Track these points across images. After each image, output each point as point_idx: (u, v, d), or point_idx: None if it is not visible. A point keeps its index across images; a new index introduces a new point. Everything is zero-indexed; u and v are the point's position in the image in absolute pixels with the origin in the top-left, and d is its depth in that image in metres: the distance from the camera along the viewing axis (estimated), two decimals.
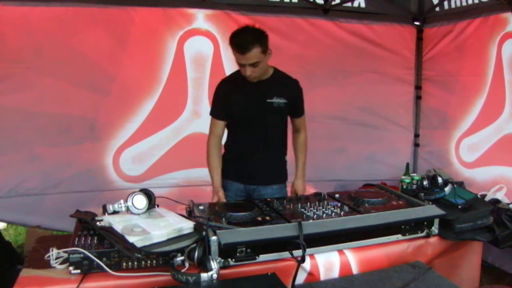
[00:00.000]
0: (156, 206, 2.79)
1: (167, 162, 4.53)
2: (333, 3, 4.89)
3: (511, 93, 4.32)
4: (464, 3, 4.73)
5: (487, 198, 3.55)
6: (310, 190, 4.89)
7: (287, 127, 3.52)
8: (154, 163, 4.59)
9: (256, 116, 3.32)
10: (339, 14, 5.03)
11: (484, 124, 4.59)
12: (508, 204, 3.53)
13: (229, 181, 3.45)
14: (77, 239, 2.37)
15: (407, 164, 5.02)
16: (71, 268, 2.23)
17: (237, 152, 3.46)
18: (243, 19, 4.70)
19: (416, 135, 5.56)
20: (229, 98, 3.35)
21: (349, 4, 5.01)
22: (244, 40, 3.02)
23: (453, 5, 4.88)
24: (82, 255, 2.22)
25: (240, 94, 3.31)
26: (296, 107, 3.45)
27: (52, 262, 2.33)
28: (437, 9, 5.08)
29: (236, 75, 3.36)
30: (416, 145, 5.57)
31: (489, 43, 4.49)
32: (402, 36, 5.28)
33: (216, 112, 3.43)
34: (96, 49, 4.36)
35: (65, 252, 2.31)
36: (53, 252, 2.36)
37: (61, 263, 2.32)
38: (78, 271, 2.23)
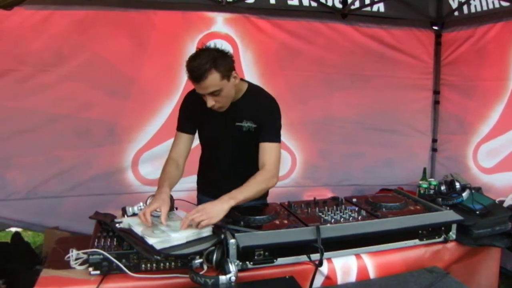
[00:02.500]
0: (175, 209, 2.81)
1: (185, 166, 4.54)
2: (352, 7, 4.88)
3: None
4: (485, 8, 4.71)
5: (505, 204, 3.51)
6: (328, 195, 4.92)
7: None
8: None
9: (223, 140, 2.98)
10: (358, 18, 5.02)
11: (504, 130, 4.57)
12: None
13: (205, 197, 3.07)
14: (96, 240, 2.40)
15: (424, 169, 5.00)
16: (90, 269, 2.25)
17: (209, 173, 3.18)
18: (263, 23, 4.77)
19: (434, 140, 5.53)
20: (194, 116, 2.98)
21: (368, 8, 5.01)
22: (198, 66, 2.58)
23: (473, 10, 4.85)
24: (101, 257, 2.25)
25: (206, 114, 2.86)
26: (261, 131, 2.89)
27: (72, 263, 2.35)
28: (456, 13, 5.05)
29: None
30: (434, 150, 5.54)
31: (510, 48, 4.45)
32: (421, 41, 5.27)
33: (180, 124, 3.07)
34: (116, 53, 4.40)
35: (85, 253, 2.34)
36: (73, 253, 2.39)
37: (81, 264, 2.35)
38: (98, 272, 2.25)
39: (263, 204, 3.09)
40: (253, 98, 2.94)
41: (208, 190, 3.03)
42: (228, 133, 2.95)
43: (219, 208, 2.55)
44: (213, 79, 2.61)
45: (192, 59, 2.64)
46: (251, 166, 2.90)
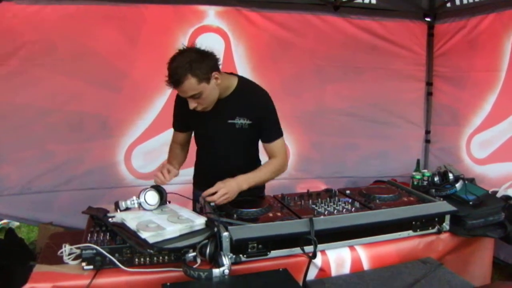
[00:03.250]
0: (167, 203, 2.81)
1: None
2: None
3: None
4: None
5: (498, 195, 3.52)
6: (321, 187, 4.92)
7: (257, 145, 3.09)
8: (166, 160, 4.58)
9: (216, 138, 2.96)
10: (349, 10, 5.01)
11: (497, 120, 4.57)
12: None
13: (200, 191, 2.93)
14: (89, 235, 2.39)
15: (418, 161, 5.02)
16: (83, 264, 2.25)
17: (204, 170, 3.17)
18: (254, 16, 4.76)
19: (427, 132, 5.54)
20: (186, 114, 2.91)
21: (359, 0, 4.99)
22: (174, 71, 2.58)
23: (465, 1, 4.86)
24: (94, 251, 2.24)
25: (197, 112, 2.81)
26: (262, 130, 2.92)
27: (65, 258, 2.35)
28: (449, 5, 5.05)
29: None
30: (427, 141, 5.56)
31: (503, 39, 4.46)
32: (413, 33, 5.26)
33: (174, 124, 3.14)
34: (107, 46, 4.38)
35: (78, 248, 2.33)
36: (66, 248, 2.39)
37: (74, 259, 2.34)
38: (91, 267, 2.25)
39: (256, 196, 3.07)
40: (245, 94, 2.89)
41: (204, 186, 2.97)
42: (221, 131, 2.93)
43: (235, 189, 2.75)
44: (190, 84, 2.59)
45: (170, 62, 2.63)
46: (246, 163, 2.99)
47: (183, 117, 3.04)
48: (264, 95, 2.93)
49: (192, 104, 2.70)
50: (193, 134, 3.19)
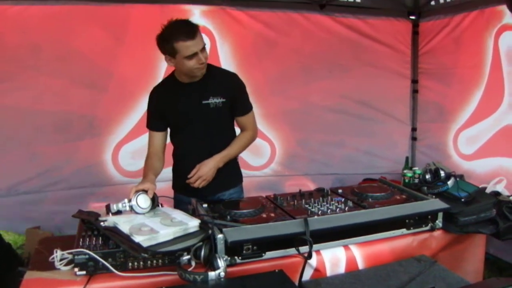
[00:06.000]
0: (160, 205, 2.78)
1: (165, 157, 4.54)
2: None
3: (509, 84, 4.31)
4: None
5: (487, 191, 3.55)
6: (309, 184, 4.95)
7: (233, 126, 3.23)
8: None
9: (194, 120, 3.04)
10: (335, 8, 5.01)
11: (483, 116, 4.59)
12: (509, 196, 3.53)
13: (179, 195, 3.21)
14: (81, 240, 2.35)
15: (407, 158, 5.05)
16: (76, 269, 2.21)
17: (182, 164, 3.17)
18: (239, 15, 4.77)
19: (414, 129, 5.57)
20: (162, 105, 3.08)
21: None
22: (187, 22, 2.81)
23: None
24: (87, 256, 2.20)
25: (174, 100, 3.03)
26: (235, 105, 3.08)
27: (57, 264, 2.30)
28: (432, 3, 5.07)
29: (167, 81, 3.16)
30: (414, 138, 5.58)
31: (485, 36, 4.49)
32: (398, 30, 5.29)
33: (150, 123, 3.19)
34: (93, 46, 4.35)
35: (69, 253, 2.29)
36: (58, 254, 2.33)
37: (66, 265, 2.30)
38: (84, 272, 2.21)
39: (248, 197, 3.13)
40: (215, 75, 3.04)
41: (184, 186, 3.04)
42: (197, 112, 3.01)
43: (212, 169, 2.97)
44: (200, 34, 2.79)
45: (174, 21, 2.81)
46: (222, 144, 3.09)
47: (159, 113, 3.12)
48: (233, 74, 3.15)
49: (202, 58, 2.81)
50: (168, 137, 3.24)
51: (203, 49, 2.82)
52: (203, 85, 2.99)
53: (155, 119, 3.16)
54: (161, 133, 3.17)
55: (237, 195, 3.24)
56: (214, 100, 2.98)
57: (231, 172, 3.21)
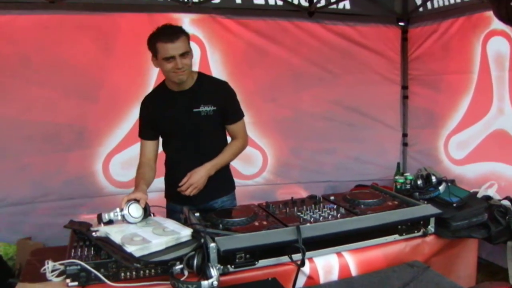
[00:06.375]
0: (152, 215, 2.76)
1: (158, 166, 4.53)
2: (318, 5, 4.90)
3: (498, 89, 4.35)
4: (446, 3, 4.78)
5: (478, 195, 3.57)
6: (301, 192, 4.94)
7: (225, 135, 3.22)
8: None
9: (185, 129, 3.05)
10: (324, 16, 5.04)
11: (472, 121, 4.62)
12: (500, 200, 3.56)
13: (171, 204, 3.23)
14: (73, 250, 2.33)
15: (398, 164, 5.06)
16: (68, 280, 2.20)
17: (174, 172, 3.17)
18: (229, 23, 4.77)
19: (404, 135, 5.59)
20: (153, 114, 3.09)
21: (334, 6, 5.03)
22: (170, 26, 2.88)
23: (436, 5, 4.92)
24: (79, 267, 2.19)
25: (164, 108, 3.04)
26: (226, 113, 3.09)
27: (48, 275, 2.28)
28: (421, 9, 5.12)
29: (157, 90, 3.16)
30: (405, 144, 5.60)
31: (473, 41, 4.53)
32: (387, 37, 5.33)
33: (142, 132, 3.17)
34: (82, 56, 4.33)
35: (61, 264, 2.27)
36: (49, 265, 2.31)
37: (58, 276, 2.28)
38: (76, 283, 2.19)
39: (240, 206, 3.13)
40: (206, 84, 3.06)
41: (176, 194, 3.03)
42: (188, 120, 3.01)
43: (203, 177, 2.96)
44: (184, 40, 2.82)
45: (160, 27, 2.87)
46: (213, 152, 3.08)
47: (151, 122, 3.12)
48: (224, 83, 3.16)
49: (180, 64, 2.81)
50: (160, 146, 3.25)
51: (184, 55, 2.82)
52: (193, 93, 3.01)
53: (147, 128, 3.15)
54: (153, 142, 3.16)
55: (229, 203, 3.23)
56: (205, 109, 2.99)
57: (223, 179, 3.20)
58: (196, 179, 2.94)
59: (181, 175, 2.99)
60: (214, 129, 3.12)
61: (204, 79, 3.08)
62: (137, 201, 2.66)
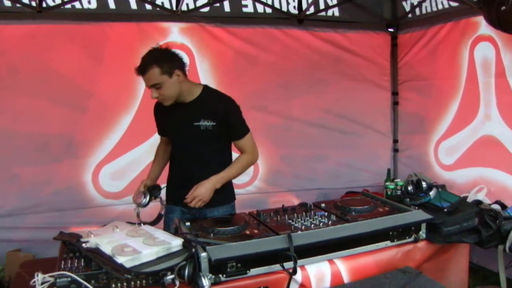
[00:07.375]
0: (142, 225, 2.76)
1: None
2: (308, 12, 4.91)
3: (485, 94, 4.38)
4: (434, 9, 4.80)
5: (468, 200, 3.58)
6: (293, 200, 4.92)
7: (228, 148, 3.24)
8: (134, 179, 4.50)
9: (186, 139, 3.12)
10: (313, 23, 5.05)
11: (460, 127, 4.65)
12: (490, 204, 3.57)
13: (173, 206, 3.24)
14: (63, 262, 2.32)
15: (388, 170, 5.05)
16: None
17: (176, 176, 3.28)
18: (218, 31, 4.75)
19: (395, 141, 5.60)
20: (161, 119, 3.31)
21: (323, 13, 5.03)
22: (142, 61, 2.92)
23: (424, 11, 4.95)
24: (69, 279, 2.17)
25: (169, 117, 3.16)
26: (229, 130, 3.10)
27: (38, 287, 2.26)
28: (410, 15, 5.14)
29: None
30: (396, 150, 5.62)
31: (461, 47, 4.55)
32: (377, 43, 5.34)
33: (158, 130, 3.42)
34: (71, 66, 4.30)
35: (51, 276, 2.23)
36: (39, 277, 2.27)
37: None
38: None
39: (231, 214, 3.12)
40: (209, 99, 3.10)
41: (175, 196, 3.18)
42: (187, 134, 3.08)
43: (209, 191, 3.00)
44: (153, 73, 2.87)
45: (148, 51, 2.98)
46: (213, 164, 3.12)
47: (159, 123, 3.35)
48: (226, 98, 3.15)
49: (154, 94, 2.96)
50: None
51: (155, 86, 2.92)
52: (195, 106, 3.07)
53: (159, 128, 3.39)
54: (166, 137, 3.39)
55: (228, 214, 3.20)
56: (204, 123, 3.03)
57: (222, 189, 3.13)
58: (201, 191, 2.98)
59: (181, 181, 3.15)
60: (215, 143, 3.14)
61: (208, 93, 3.13)
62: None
